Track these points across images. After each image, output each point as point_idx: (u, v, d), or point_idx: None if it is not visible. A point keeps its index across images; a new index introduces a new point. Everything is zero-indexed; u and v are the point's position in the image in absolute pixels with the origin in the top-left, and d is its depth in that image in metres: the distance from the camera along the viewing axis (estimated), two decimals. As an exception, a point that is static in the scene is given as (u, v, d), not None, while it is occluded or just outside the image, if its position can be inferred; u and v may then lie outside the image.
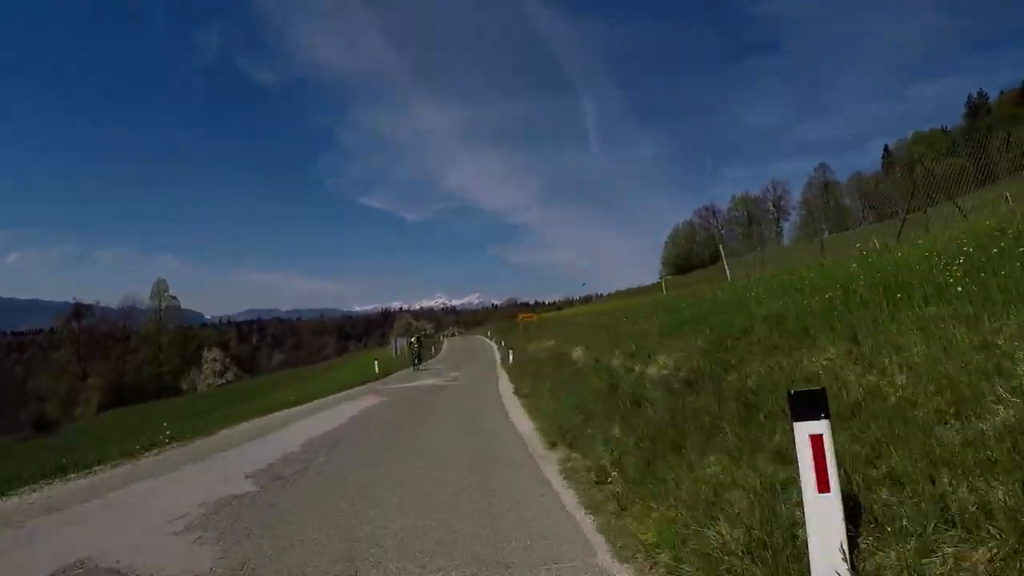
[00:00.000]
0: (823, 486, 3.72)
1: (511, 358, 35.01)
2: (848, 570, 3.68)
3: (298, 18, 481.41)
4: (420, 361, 39.28)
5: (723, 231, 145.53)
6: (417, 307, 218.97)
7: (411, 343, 41.73)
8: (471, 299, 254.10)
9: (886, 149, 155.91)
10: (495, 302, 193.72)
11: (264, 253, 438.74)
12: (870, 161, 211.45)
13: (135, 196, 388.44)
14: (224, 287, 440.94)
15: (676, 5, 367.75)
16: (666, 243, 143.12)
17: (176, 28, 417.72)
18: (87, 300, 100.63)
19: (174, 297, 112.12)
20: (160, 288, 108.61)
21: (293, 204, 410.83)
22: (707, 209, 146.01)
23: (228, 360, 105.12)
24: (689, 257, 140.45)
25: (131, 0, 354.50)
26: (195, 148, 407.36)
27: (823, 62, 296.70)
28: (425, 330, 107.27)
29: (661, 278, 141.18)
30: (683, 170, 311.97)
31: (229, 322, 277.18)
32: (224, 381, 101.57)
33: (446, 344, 73.24)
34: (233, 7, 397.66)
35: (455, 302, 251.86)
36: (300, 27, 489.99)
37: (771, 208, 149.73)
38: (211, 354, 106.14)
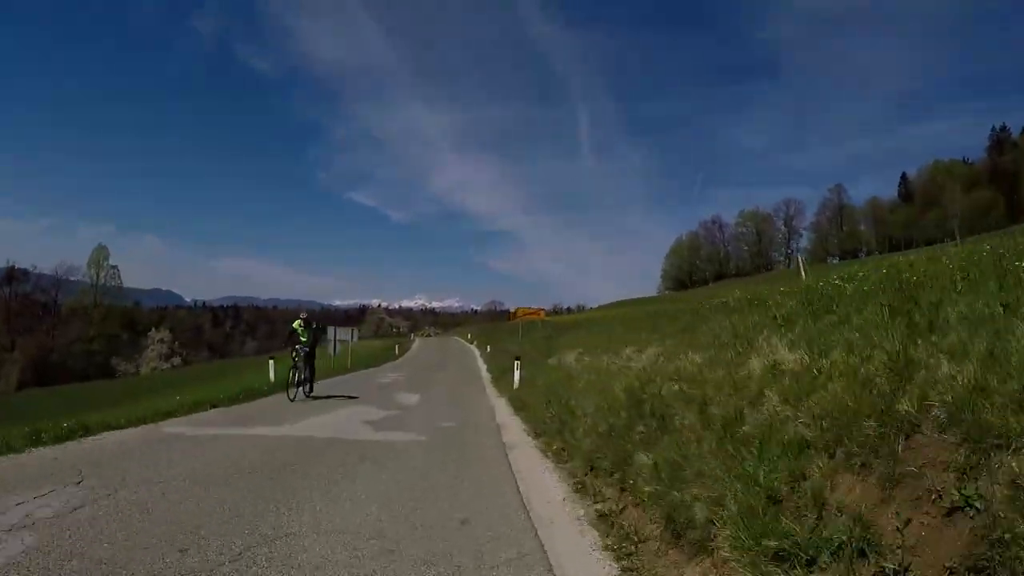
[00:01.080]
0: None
1: (517, 379, 20.91)
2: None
3: (296, 8, 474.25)
4: (309, 380, 16.86)
5: (729, 247, 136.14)
6: (396, 306, 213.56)
7: (296, 337, 16.65)
8: (451, 302, 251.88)
9: (903, 177, 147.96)
10: (475, 307, 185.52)
11: (247, 241, 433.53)
12: (860, 194, 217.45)
13: (119, 173, 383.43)
14: (205, 271, 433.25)
15: (677, 21, 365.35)
16: (668, 255, 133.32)
17: (173, 9, 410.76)
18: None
19: (115, 267, 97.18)
20: (99, 256, 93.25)
21: (280, 194, 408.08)
22: (713, 222, 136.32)
23: (176, 343, 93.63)
24: (691, 273, 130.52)
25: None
26: (184, 129, 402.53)
27: (818, 90, 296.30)
28: (398, 327, 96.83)
29: (659, 292, 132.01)
30: (671, 187, 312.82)
31: (204, 305, 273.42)
32: (169, 365, 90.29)
33: (416, 344, 63.35)
34: None
35: (435, 304, 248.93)
36: (297, 17, 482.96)
37: (782, 228, 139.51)
38: (158, 335, 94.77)
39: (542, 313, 50.26)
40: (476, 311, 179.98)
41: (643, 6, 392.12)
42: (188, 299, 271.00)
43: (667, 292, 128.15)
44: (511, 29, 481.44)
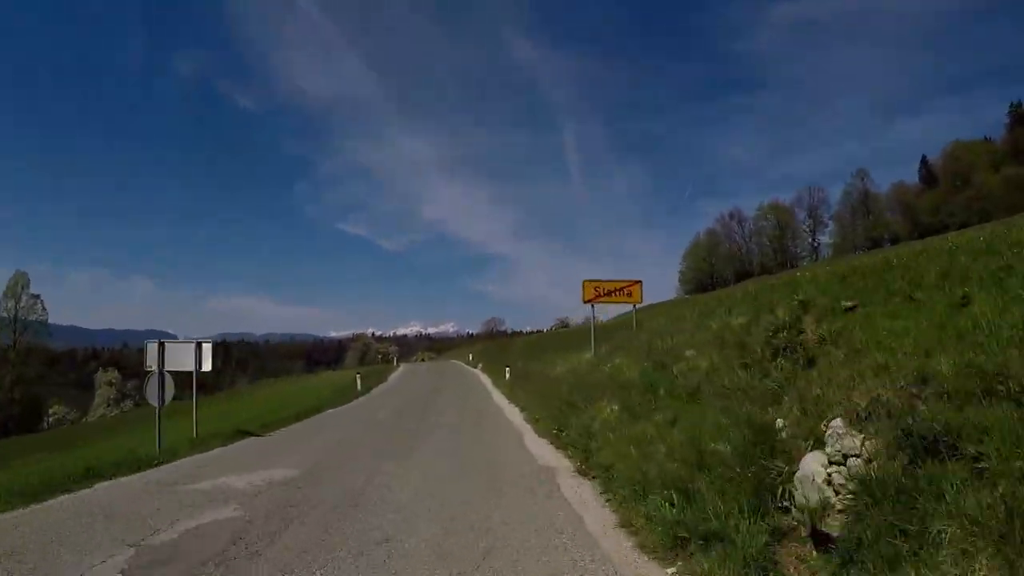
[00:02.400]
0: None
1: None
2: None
3: (280, 45, 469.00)
4: None
5: (752, 242, 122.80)
6: (391, 334, 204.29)
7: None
8: (446, 327, 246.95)
9: (924, 161, 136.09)
10: (471, 331, 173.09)
11: (240, 278, 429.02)
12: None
13: (110, 218, 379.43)
14: (199, 311, 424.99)
15: (659, 38, 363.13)
16: (684, 256, 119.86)
17: (157, 50, 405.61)
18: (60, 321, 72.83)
19: (37, 297, 75.08)
20: (17, 283, 72.82)
21: (271, 229, 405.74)
22: (731, 216, 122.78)
23: (128, 385, 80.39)
24: (712, 273, 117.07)
25: (110, 22, 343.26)
26: (171, 170, 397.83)
27: (801, 97, 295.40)
28: (386, 353, 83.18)
29: (678, 295, 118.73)
30: (661, 203, 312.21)
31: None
32: (119, 410, 76.81)
33: (398, 373, 46.23)
34: (215, 32, 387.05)
35: (430, 330, 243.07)
36: (282, 54, 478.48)
37: (807, 219, 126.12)
38: (105, 376, 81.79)
39: (636, 291, 27.41)
40: (472, 334, 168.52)
41: (625, 26, 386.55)
42: (181, 337, 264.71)
43: (686, 295, 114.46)
44: (495, 55, 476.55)
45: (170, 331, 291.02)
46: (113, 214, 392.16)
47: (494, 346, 53.25)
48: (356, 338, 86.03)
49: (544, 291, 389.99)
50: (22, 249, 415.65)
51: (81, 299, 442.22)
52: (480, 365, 42.55)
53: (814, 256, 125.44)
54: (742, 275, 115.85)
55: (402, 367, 50.33)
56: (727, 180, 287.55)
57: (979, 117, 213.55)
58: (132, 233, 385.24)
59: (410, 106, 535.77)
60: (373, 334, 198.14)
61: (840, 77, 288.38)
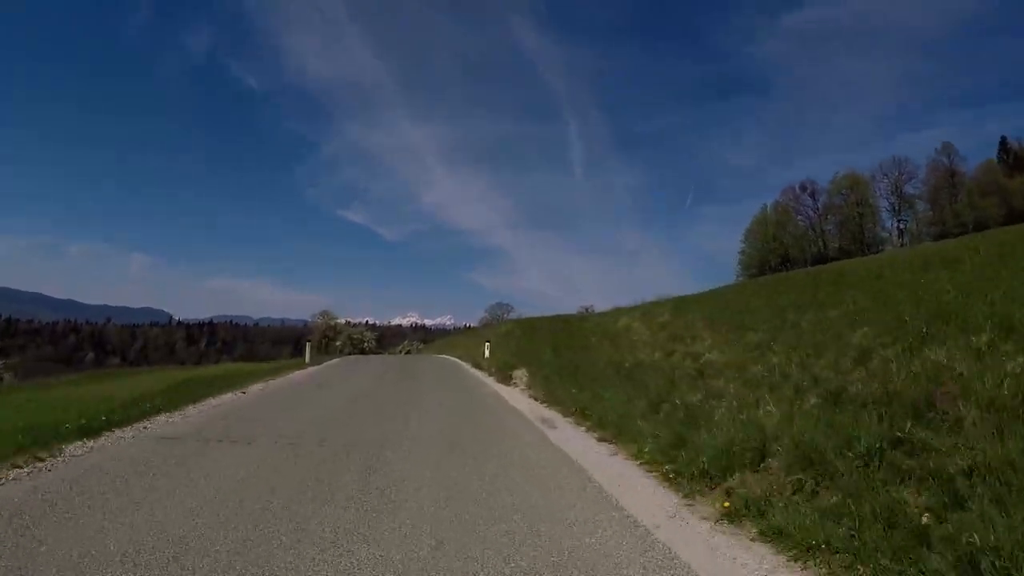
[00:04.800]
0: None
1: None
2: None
3: (287, 26, 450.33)
4: None
5: (829, 220, 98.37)
6: (387, 323, 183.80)
7: None
8: (444, 320, 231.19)
9: (1003, 142, 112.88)
10: (469, 323, 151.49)
11: (238, 260, 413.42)
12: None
13: (108, 190, 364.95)
14: (196, 291, 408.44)
15: (668, 37, 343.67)
16: (746, 234, 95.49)
17: (164, 25, 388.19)
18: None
19: None
20: None
21: (270, 212, 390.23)
22: (803, 188, 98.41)
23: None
24: (785, 253, 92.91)
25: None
26: (173, 146, 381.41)
27: (807, 106, 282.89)
28: (361, 338, 59.76)
29: (738, 279, 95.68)
30: (662, 203, 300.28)
31: (188, 324, 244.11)
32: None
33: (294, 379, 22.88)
34: (222, 9, 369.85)
35: (427, 321, 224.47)
36: (289, 34, 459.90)
37: (891, 195, 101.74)
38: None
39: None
40: (469, 326, 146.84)
41: (634, 22, 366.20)
42: (178, 317, 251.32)
43: (747, 279, 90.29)
44: (501, 45, 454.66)
45: (166, 309, 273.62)
46: (113, 190, 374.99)
47: (540, 332, 28.37)
48: (321, 317, 62.36)
49: (540, 286, 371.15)
50: (25, 219, 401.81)
51: (79, 273, 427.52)
52: (520, 379, 17.33)
53: (900, 240, 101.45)
54: (821, 258, 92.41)
55: (336, 362, 27.59)
56: (728, 183, 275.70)
57: (986, 132, 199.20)
58: (132, 210, 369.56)
59: (413, 92, 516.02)
60: (367, 322, 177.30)
61: (846, 86, 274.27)
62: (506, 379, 17.55)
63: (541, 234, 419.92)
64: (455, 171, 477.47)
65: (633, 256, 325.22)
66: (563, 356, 18.03)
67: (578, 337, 21.64)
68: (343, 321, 71.50)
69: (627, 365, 14.01)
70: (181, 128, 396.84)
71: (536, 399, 13.62)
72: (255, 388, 15.41)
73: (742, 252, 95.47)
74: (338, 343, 57.87)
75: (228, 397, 13.40)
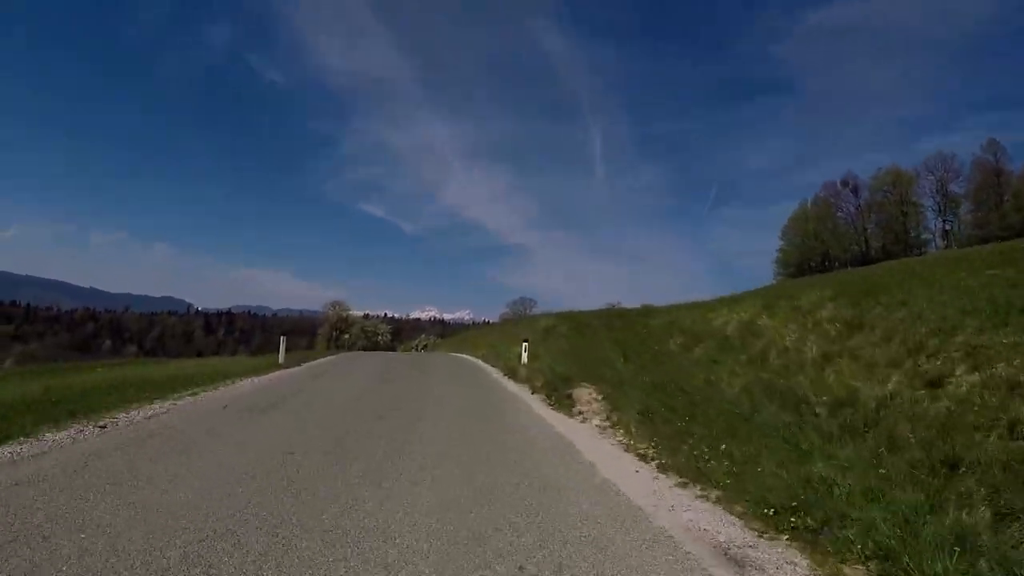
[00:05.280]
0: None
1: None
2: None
3: (309, 21, 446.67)
4: None
5: (872, 218, 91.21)
6: (405, 316, 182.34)
7: None
8: (462, 315, 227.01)
9: None
10: (488, 318, 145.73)
11: (259, 252, 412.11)
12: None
13: (134, 185, 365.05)
14: (217, 281, 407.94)
15: (690, 38, 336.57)
16: (784, 231, 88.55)
17: (184, 19, 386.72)
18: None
19: None
20: None
21: (292, 205, 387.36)
22: (844, 183, 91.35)
23: None
24: (825, 252, 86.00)
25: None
26: (197, 140, 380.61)
27: (829, 108, 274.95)
28: (374, 332, 54.05)
29: (776, 279, 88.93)
30: (683, 205, 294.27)
31: (206, 314, 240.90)
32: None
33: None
34: (246, 6, 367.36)
35: (446, 316, 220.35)
36: (311, 30, 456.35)
37: (936, 193, 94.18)
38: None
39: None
40: (488, 322, 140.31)
41: (656, 23, 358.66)
42: (199, 307, 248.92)
43: (784, 278, 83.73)
44: (523, 44, 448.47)
45: (186, 299, 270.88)
46: (137, 182, 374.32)
47: (594, 330, 22.20)
48: (332, 308, 56.58)
49: (557, 285, 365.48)
50: (51, 208, 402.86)
51: (102, 262, 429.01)
52: (589, 404, 10.70)
53: (945, 241, 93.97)
54: (864, 259, 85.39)
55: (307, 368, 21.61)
56: (751, 185, 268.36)
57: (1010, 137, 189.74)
58: (154, 201, 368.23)
59: (435, 90, 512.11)
60: (385, 315, 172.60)
61: (871, 87, 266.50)
62: (564, 404, 11.15)
63: (560, 233, 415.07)
64: (475, 169, 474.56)
65: (651, 257, 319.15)
66: (646, 367, 12.10)
67: (652, 338, 15.70)
68: (359, 313, 66.16)
69: (822, 399, 7.84)
70: (205, 122, 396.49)
71: (643, 456, 7.28)
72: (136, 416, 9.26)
73: (780, 250, 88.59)
74: (346, 336, 52.30)
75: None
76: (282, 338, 19.03)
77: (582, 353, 15.06)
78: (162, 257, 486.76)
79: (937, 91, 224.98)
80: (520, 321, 31.11)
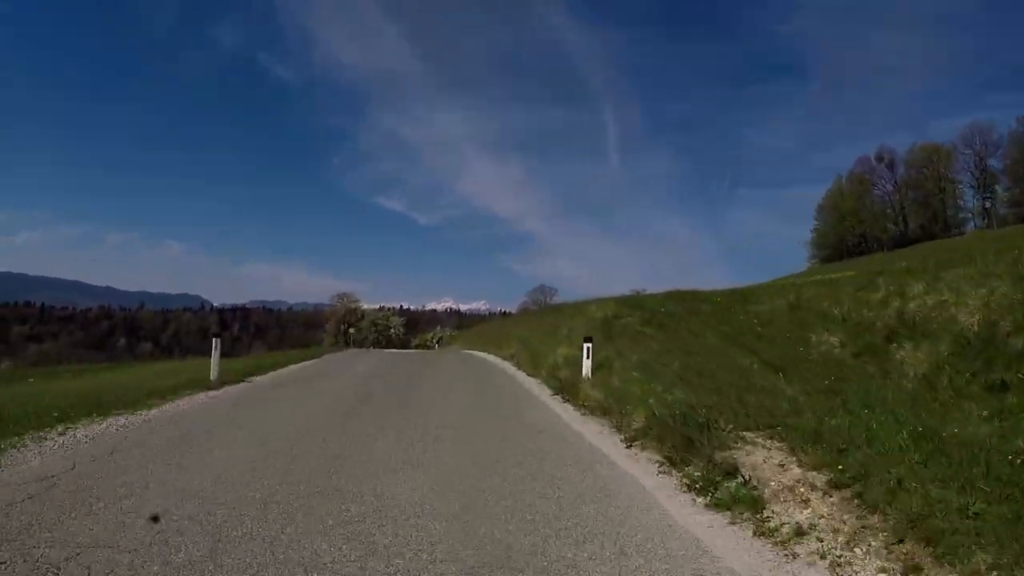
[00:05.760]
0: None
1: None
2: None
3: (319, 17, 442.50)
4: None
5: (909, 196, 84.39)
6: (421, 308, 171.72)
7: None
8: (478, 305, 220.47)
9: None
10: (505, 308, 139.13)
11: (275, 247, 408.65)
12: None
13: (148, 183, 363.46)
14: (233, 277, 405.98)
15: (701, 20, 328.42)
16: (818, 210, 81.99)
17: (196, 19, 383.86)
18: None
19: None
20: None
21: (307, 200, 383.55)
22: (879, 158, 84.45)
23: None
24: (864, 234, 79.53)
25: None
26: (211, 138, 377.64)
27: (844, 87, 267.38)
28: (385, 324, 48.56)
29: (810, 264, 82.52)
30: (698, 189, 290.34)
31: (221, 310, 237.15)
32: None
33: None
34: (255, 2, 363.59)
35: (463, 306, 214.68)
36: (320, 26, 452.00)
37: (975, 168, 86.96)
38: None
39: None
40: (505, 312, 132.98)
41: (666, 5, 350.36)
42: (216, 303, 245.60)
43: (817, 263, 77.93)
44: (534, 32, 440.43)
45: (203, 296, 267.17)
46: (152, 179, 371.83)
47: (676, 321, 15.69)
48: (339, 300, 51.00)
49: (575, 272, 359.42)
50: (64, 209, 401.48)
51: (118, 261, 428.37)
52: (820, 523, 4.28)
53: (985, 220, 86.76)
54: (903, 241, 78.68)
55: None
56: (766, 168, 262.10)
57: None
58: (169, 198, 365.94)
59: (447, 81, 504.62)
60: (401, 307, 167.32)
61: (886, 66, 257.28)
62: (741, 499, 4.65)
63: (575, 221, 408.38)
64: (489, 159, 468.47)
65: (668, 242, 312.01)
66: (833, 392, 6.34)
67: (782, 333, 9.98)
68: (374, 306, 60.84)
69: None
70: (219, 121, 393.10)
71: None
72: None
73: (814, 231, 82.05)
74: (351, 330, 46.45)
75: None
76: (215, 341, 12.65)
77: (688, 361, 9.21)
78: (178, 255, 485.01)
79: (955, 68, 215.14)
80: (560, 310, 24.37)
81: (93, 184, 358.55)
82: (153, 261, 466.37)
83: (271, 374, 13.98)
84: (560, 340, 15.05)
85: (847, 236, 77.95)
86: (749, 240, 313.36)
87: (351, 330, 45.58)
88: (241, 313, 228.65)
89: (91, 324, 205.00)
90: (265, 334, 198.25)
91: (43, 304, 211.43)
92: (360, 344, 49.31)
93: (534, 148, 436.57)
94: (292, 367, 15.87)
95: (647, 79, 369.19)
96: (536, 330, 19.74)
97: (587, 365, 10.42)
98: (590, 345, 10.54)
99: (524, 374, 13.81)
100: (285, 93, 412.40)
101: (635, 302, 16.66)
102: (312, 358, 19.58)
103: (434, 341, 51.38)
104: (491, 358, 19.68)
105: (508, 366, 16.03)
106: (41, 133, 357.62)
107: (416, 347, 58.46)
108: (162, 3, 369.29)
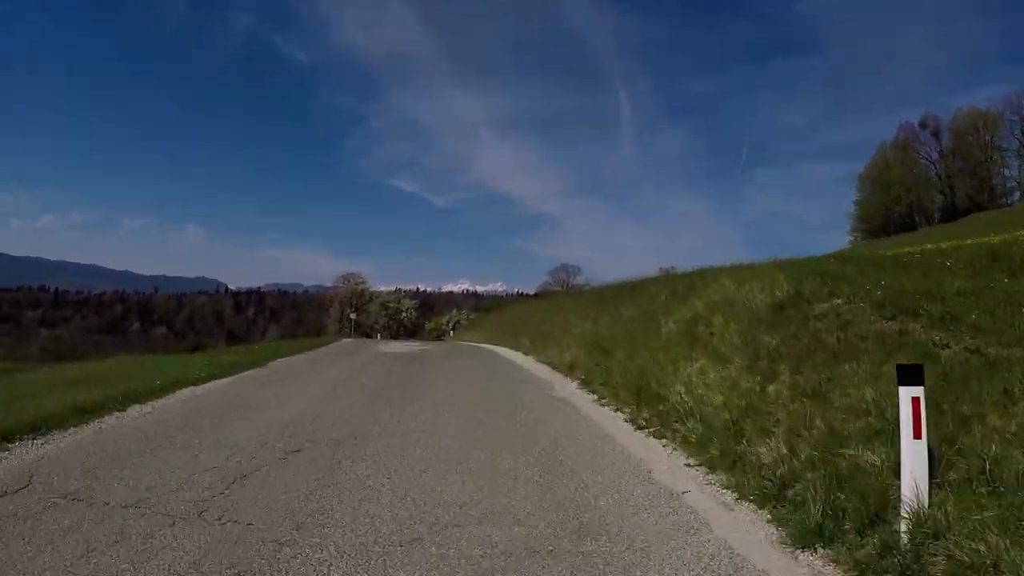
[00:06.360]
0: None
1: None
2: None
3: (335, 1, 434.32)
4: None
5: (955, 166, 76.69)
6: (437, 290, 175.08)
7: None
8: (495, 287, 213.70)
9: None
10: (522, 290, 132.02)
11: (291, 230, 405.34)
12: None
13: (164, 166, 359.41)
14: (249, 260, 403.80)
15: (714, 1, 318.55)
16: (860, 180, 74.54)
17: (211, 4, 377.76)
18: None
19: None
20: None
21: (322, 182, 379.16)
22: (923, 124, 76.69)
23: None
24: (910, 206, 72.07)
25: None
26: (225, 120, 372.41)
27: (858, 64, 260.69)
28: (395, 307, 42.35)
29: (854, 241, 75.25)
30: (714, 167, 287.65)
31: (236, 293, 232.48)
32: None
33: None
34: None
35: (479, 288, 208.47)
36: (334, 7, 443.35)
37: (1020, 135, 78.93)
38: None
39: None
40: (523, 293, 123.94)
41: None
42: (232, 287, 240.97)
43: (861, 238, 70.99)
44: (548, 12, 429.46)
45: (220, 279, 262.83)
46: (167, 163, 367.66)
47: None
48: (345, 281, 44.71)
49: (590, 253, 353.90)
50: (80, 194, 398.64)
51: (135, 245, 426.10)
52: None
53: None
54: (951, 214, 71.32)
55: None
56: (781, 145, 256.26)
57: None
58: (185, 183, 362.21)
59: (462, 63, 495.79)
60: (417, 288, 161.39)
61: (900, 41, 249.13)
62: None
63: (591, 201, 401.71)
64: (504, 140, 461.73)
65: (684, 222, 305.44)
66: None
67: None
68: (390, 288, 54.60)
69: None
70: (235, 106, 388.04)
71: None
72: None
73: (857, 203, 74.39)
74: (353, 316, 39.92)
75: None
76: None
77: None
78: (194, 238, 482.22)
79: (968, 44, 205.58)
80: (635, 289, 15.89)
81: (112, 168, 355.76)
82: (171, 245, 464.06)
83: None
84: (672, 344, 8.63)
85: (894, 208, 70.50)
86: (764, 217, 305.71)
87: (353, 315, 39.25)
88: (256, 296, 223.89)
89: (105, 308, 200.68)
90: (280, 317, 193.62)
91: (57, 289, 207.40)
92: (366, 331, 43.07)
93: (549, 129, 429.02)
94: (209, 387, 9.34)
95: (660, 59, 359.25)
96: (603, 322, 13.29)
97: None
98: (917, 394, 3.84)
99: (656, 441, 6.49)
100: (300, 76, 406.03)
101: (819, 268, 9.36)
102: (270, 363, 13.21)
103: (449, 326, 45.01)
104: (538, 370, 12.76)
105: (589, 402, 8.53)
106: (65, 120, 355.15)
107: (430, 332, 52.19)
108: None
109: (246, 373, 11.67)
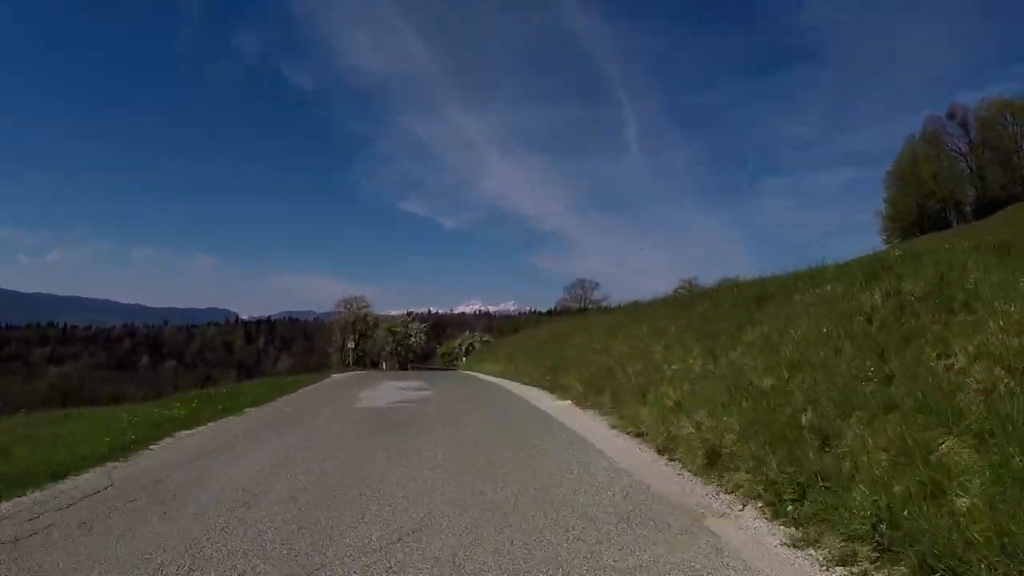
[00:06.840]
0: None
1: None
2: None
3: (336, 21, 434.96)
4: None
5: (985, 157, 71.50)
6: (449, 311, 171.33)
7: None
8: (507, 306, 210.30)
9: None
10: (535, 308, 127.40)
11: (301, 256, 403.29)
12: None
13: (171, 196, 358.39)
14: (261, 289, 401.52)
15: (717, 10, 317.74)
16: (888, 176, 69.44)
17: (214, 28, 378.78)
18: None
19: None
20: None
21: (331, 207, 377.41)
22: (951, 116, 71.68)
23: None
24: (945, 201, 66.85)
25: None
26: (231, 148, 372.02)
27: (863, 72, 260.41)
28: (400, 331, 37.35)
29: (888, 243, 69.89)
30: (721, 180, 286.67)
31: (246, 323, 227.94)
32: None
33: None
34: (272, 9, 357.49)
35: (491, 308, 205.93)
36: (338, 31, 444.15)
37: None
38: None
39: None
40: (536, 312, 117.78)
41: None
42: (244, 316, 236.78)
43: (896, 239, 65.60)
44: (551, 28, 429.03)
45: (231, 309, 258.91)
46: (175, 193, 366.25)
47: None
48: (345, 307, 39.86)
49: (601, 269, 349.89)
50: (88, 226, 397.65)
51: (145, 277, 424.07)
52: None
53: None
54: (985, 209, 66.08)
55: None
56: (789, 155, 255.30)
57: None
58: (194, 212, 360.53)
59: (466, 81, 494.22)
60: (429, 311, 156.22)
61: (903, 48, 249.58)
62: None
63: (601, 217, 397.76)
64: (511, 159, 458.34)
65: (695, 235, 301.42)
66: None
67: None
68: (400, 312, 49.74)
69: None
70: (242, 133, 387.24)
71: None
72: None
73: (887, 201, 69.18)
74: (351, 346, 34.75)
75: None
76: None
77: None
78: (205, 269, 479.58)
79: (971, 47, 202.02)
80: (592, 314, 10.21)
81: (120, 198, 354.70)
82: (182, 276, 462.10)
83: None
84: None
85: (927, 204, 65.27)
86: (773, 228, 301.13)
87: (351, 345, 34.33)
88: (266, 325, 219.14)
89: (114, 343, 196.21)
90: (292, 345, 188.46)
91: (65, 324, 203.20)
92: (373, 359, 38.35)
93: (556, 146, 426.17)
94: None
95: (666, 72, 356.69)
96: (734, 355, 7.87)
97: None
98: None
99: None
100: (305, 101, 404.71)
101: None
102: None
103: (461, 349, 40.00)
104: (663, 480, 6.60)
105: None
106: (69, 145, 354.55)
107: (441, 356, 47.55)
108: (186, 16, 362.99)
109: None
